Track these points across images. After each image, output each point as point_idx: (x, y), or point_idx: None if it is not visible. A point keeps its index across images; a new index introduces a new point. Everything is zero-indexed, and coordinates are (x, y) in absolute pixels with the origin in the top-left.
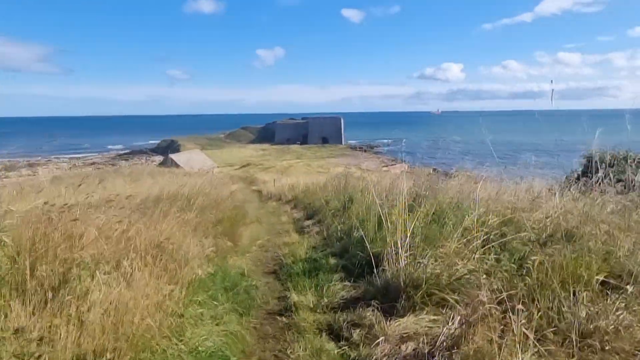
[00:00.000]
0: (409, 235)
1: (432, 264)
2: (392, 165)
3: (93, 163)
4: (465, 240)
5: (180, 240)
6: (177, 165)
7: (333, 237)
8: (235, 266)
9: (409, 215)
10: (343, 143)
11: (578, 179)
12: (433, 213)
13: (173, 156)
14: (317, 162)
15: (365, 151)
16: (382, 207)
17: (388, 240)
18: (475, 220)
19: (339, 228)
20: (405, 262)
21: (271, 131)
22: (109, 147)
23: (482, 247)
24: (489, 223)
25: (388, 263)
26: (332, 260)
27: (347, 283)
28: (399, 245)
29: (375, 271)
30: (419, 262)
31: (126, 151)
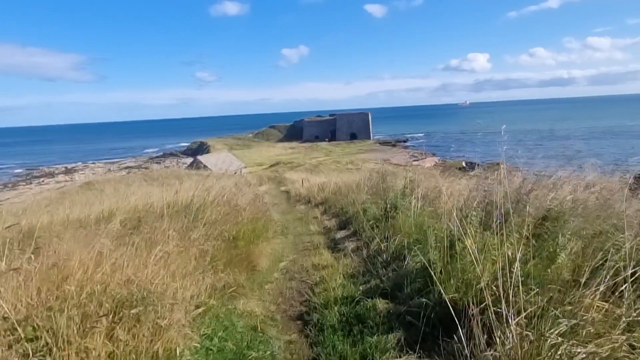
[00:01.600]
0: (513, 279)
1: (572, 345)
2: (423, 159)
3: (127, 167)
4: (613, 286)
5: (168, 282)
6: (205, 167)
7: (377, 261)
8: (246, 313)
9: (501, 239)
10: (371, 138)
11: None
12: (538, 236)
13: (201, 158)
14: (346, 159)
15: (394, 145)
16: (440, 219)
17: (475, 283)
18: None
19: (382, 247)
20: (518, 335)
21: (299, 129)
22: (144, 151)
23: None
24: None
25: (482, 330)
26: (382, 305)
27: (412, 355)
28: (501, 296)
29: (458, 338)
30: (546, 339)
31: (159, 154)
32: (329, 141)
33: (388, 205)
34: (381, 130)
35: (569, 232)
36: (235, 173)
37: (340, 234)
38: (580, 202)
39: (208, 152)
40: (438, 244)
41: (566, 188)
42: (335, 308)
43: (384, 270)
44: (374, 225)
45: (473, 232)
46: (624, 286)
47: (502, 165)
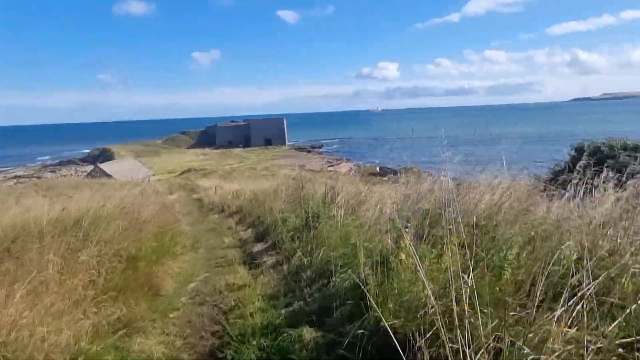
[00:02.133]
0: (463, 301)
1: None
2: (338, 164)
3: (16, 177)
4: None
5: (36, 325)
6: (107, 176)
7: (300, 279)
8: (143, 356)
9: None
10: (286, 144)
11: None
12: (469, 246)
13: (103, 166)
14: (261, 165)
15: (309, 151)
16: (368, 229)
17: (417, 305)
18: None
19: (305, 262)
20: None
21: (212, 135)
22: (38, 158)
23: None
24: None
25: None
26: (309, 334)
27: None
28: (454, 324)
29: None
30: None
31: (54, 162)
32: (243, 147)
33: (309, 215)
34: (296, 136)
35: (506, 240)
36: (142, 181)
37: (258, 246)
38: (504, 207)
39: (112, 159)
40: (369, 259)
41: (487, 193)
42: (254, 341)
43: (309, 289)
44: (295, 237)
45: (408, 244)
46: (580, 305)
47: (445, 174)
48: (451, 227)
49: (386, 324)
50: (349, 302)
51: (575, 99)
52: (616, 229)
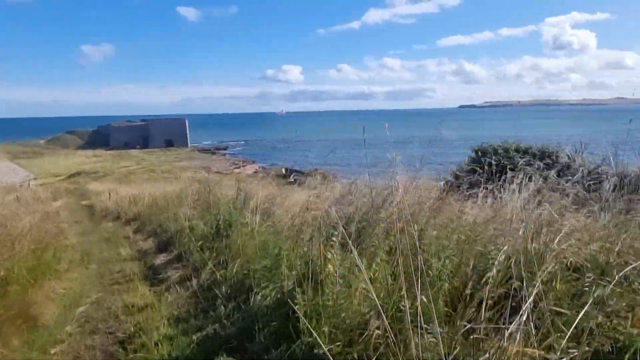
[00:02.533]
0: (411, 322)
1: None
2: (244, 166)
3: None
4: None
5: None
6: None
7: (214, 296)
8: None
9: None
10: (189, 146)
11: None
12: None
13: None
14: (162, 167)
15: (213, 153)
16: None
17: (355, 325)
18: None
19: (219, 276)
20: None
21: (105, 135)
22: None
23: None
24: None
25: None
26: None
27: None
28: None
29: None
30: None
31: None
32: (142, 149)
33: (220, 221)
34: (200, 137)
35: (444, 247)
36: (20, 186)
37: (161, 258)
38: (426, 209)
39: None
40: (293, 272)
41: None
42: None
43: (224, 308)
44: (205, 247)
45: (335, 254)
46: (528, 317)
47: (394, 177)
48: (378, 233)
49: (325, 349)
50: (274, 323)
51: (462, 106)
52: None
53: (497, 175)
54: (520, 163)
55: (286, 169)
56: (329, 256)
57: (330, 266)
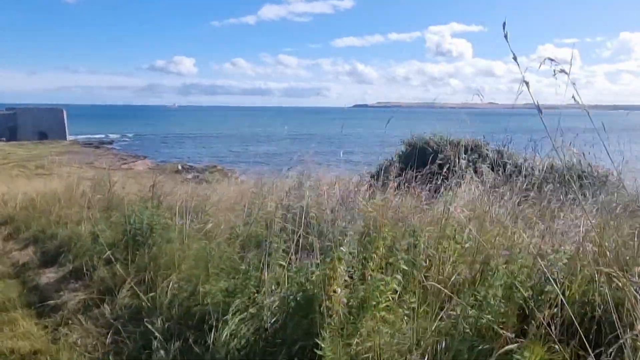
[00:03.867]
0: None
1: None
2: (133, 162)
3: None
4: None
5: None
6: None
7: (147, 331)
8: None
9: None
10: (67, 139)
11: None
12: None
13: None
14: (35, 163)
15: (97, 147)
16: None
17: None
18: None
19: (147, 303)
20: None
21: None
22: None
23: None
24: None
25: None
26: None
27: None
28: None
29: None
30: None
31: None
32: (8, 141)
33: (135, 225)
34: (80, 130)
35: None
36: None
37: (48, 275)
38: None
39: None
40: (274, 297)
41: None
42: None
43: (165, 353)
44: (115, 259)
45: (342, 272)
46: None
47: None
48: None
49: None
50: None
51: (356, 105)
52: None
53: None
54: (463, 158)
55: (182, 165)
56: (334, 274)
57: (336, 287)
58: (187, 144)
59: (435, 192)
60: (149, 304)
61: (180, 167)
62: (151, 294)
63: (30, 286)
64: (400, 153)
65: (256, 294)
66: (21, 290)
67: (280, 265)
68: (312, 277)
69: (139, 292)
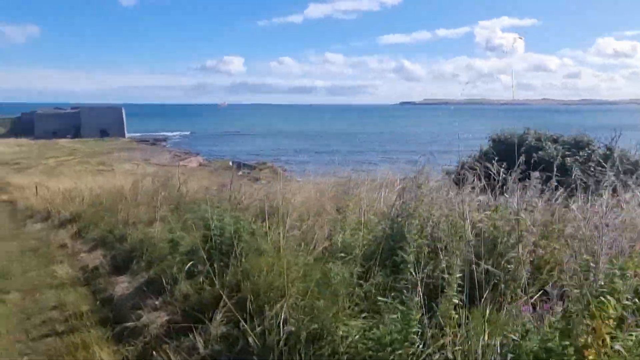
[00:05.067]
0: None
1: None
2: (187, 158)
3: None
4: None
5: None
6: None
7: None
8: None
9: None
10: (126, 136)
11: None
12: None
13: None
14: (97, 159)
15: (153, 144)
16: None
17: None
18: None
19: (254, 341)
20: None
21: (29, 123)
22: None
23: None
24: None
25: None
26: None
27: None
28: None
29: None
30: None
31: None
32: (72, 138)
33: (217, 232)
34: (137, 127)
35: None
36: None
37: (122, 284)
38: None
39: None
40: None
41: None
42: None
43: None
44: (196, 271)
45: None
46: None
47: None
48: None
49: None
50: None
51: (403, 102)
52: None
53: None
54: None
55: (233, 162)
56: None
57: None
58: (236, 141)
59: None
60: (257, 342)
61: (231, 164)
62: (258, 327)
63: (103, 297)
64: (488, 149)
65: (422, 348)
66: (93, 302)
67: (456, 307)
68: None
69: (242, 320)
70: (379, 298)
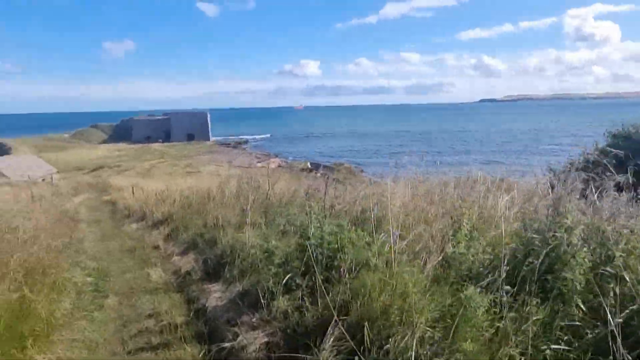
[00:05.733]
0: None
1: None
2: (266, 160)
3: None
4: None
5: None
6: None
7: None
8: None
9: None
10: (210, 139)
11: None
12: None
13: None
14: (184, 162)
15: (234, 147)
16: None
17: None
18: None
19: None
20: None
21: (127, 129)
22: None
23: None
24: None
25: None
26: None
27: None
28: None
29: None
30: None
31: None
32: (163, 142)
33: (316, 241)
34: (219, 131)
35: None
36: (42, 180)
37: (215, 294)
38: None
39: (8, 154)
40: None
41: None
42: None
43: None
44: (297, 285)
45: None
46: None
47: None
48: None
49: None
50: None
51: (482, 100)
52: None
53: None
54: None
55: (311, 163)
56: None
57: None
58: (312, 143)
59: None
60: None
61: (309, 165)
62: None
63: (197, 308)
64: (605, 146)
65: None
66: (187, 311)
67: None
68: None
69: (358, 353)
70: (552, 346)
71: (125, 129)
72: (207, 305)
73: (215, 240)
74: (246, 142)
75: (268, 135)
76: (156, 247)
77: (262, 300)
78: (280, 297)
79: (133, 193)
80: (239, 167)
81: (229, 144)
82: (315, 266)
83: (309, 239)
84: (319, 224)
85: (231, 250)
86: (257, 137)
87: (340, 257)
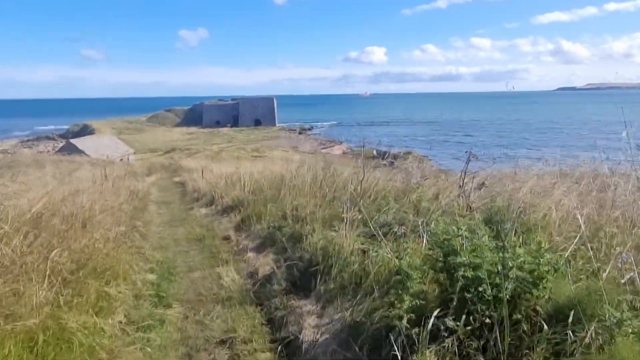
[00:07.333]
0: None
1: None
2: (331, 146)
3: None
4: None
5: None
6: (80, 152)
7: None
8: None
9: None
10: (276, 125)
11: None
12: None
13: (75, 141)
14: (251, 146)
15: (300, 133)
16: None
17: None
18: None
19: None
20: None
21: (198, 113)
22: (13, 133)
23: None
24: None
25: None
26: None
27: None
28: None
29: None
30: None
31: (30, 137)
32: (231, 127)
33: (455, 259)
34: (285, 117)
35: None
36: (121, 160)
37: (309, 319)
38: None
39: (91, 135)
40: None
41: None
42: None
43: None
44: (442, 329)
45: None
46: None
47: None
48: None
49: None
50: None
51: (561, 88)
52: None
53: None
54: None
55: (377, 150)
56: None
57: None
58: (377, 129)
59: None
60: None
61: (375, 153)
62: None
63: (285, 337)
64: None
65: None
66: (271, 345)
67: None
68: None
69: None
70: None
71: (196, 114)
72: (300, 337)
73: (298, 238)
74: (311, 128)
75: (334, 122)
76: (226, 238)
77: (395, 353)
78: (426, 350)
79: (202, 175)
80: (303, 152)
81: (294, 129)
82: (469, 300)
83: (457, 255)
84: (452, 236)
85: (323, 254)
86: (323, 123)
87: (506, 286)
